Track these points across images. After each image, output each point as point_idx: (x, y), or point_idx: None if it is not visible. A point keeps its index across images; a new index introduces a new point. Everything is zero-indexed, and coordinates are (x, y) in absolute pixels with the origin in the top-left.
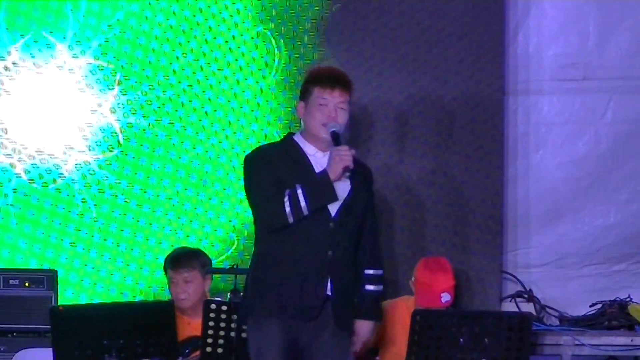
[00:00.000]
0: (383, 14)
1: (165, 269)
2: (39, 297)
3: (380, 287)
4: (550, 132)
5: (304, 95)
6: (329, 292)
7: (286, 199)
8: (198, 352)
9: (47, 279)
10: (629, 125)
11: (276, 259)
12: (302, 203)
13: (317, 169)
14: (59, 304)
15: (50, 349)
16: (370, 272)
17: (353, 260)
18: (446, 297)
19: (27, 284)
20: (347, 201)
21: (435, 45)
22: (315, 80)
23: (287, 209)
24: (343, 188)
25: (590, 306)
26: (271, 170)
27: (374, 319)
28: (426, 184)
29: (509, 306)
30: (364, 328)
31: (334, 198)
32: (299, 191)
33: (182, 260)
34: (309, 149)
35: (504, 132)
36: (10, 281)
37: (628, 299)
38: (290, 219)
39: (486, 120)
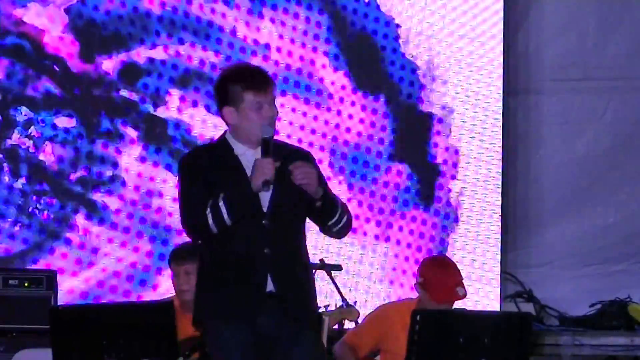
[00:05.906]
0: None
1: (169, 263)
2: (39, 297)
3: (345, 215)
4: (550, 132)
5: (233, 100)
6: (271, 289)
7: (208, 210)
8: (197, 354)
9: (47, 279)
10: (629, 125)
11: (216, 261)
12: (225, 215)
13: (247, 168)
14: (58, 304)
15: (50, 349)
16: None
17: (305, 250)
18: (462, 291)
19: (27, 284)
20: (274, 195)
21: (436, 45)
22: (246, 84)
23: (210, 220)
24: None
25: (590, 306)
26: (200, 176)
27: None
28: (425, 183)
29: (509, 306)
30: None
31: (254, 209)
32: (221, 203)
33: (184, 253)
34: (239, 149)
35: (504, 132)
36: (10, 281)
37: (628, 299)
38: (215, 230)
39: (486, 120)
